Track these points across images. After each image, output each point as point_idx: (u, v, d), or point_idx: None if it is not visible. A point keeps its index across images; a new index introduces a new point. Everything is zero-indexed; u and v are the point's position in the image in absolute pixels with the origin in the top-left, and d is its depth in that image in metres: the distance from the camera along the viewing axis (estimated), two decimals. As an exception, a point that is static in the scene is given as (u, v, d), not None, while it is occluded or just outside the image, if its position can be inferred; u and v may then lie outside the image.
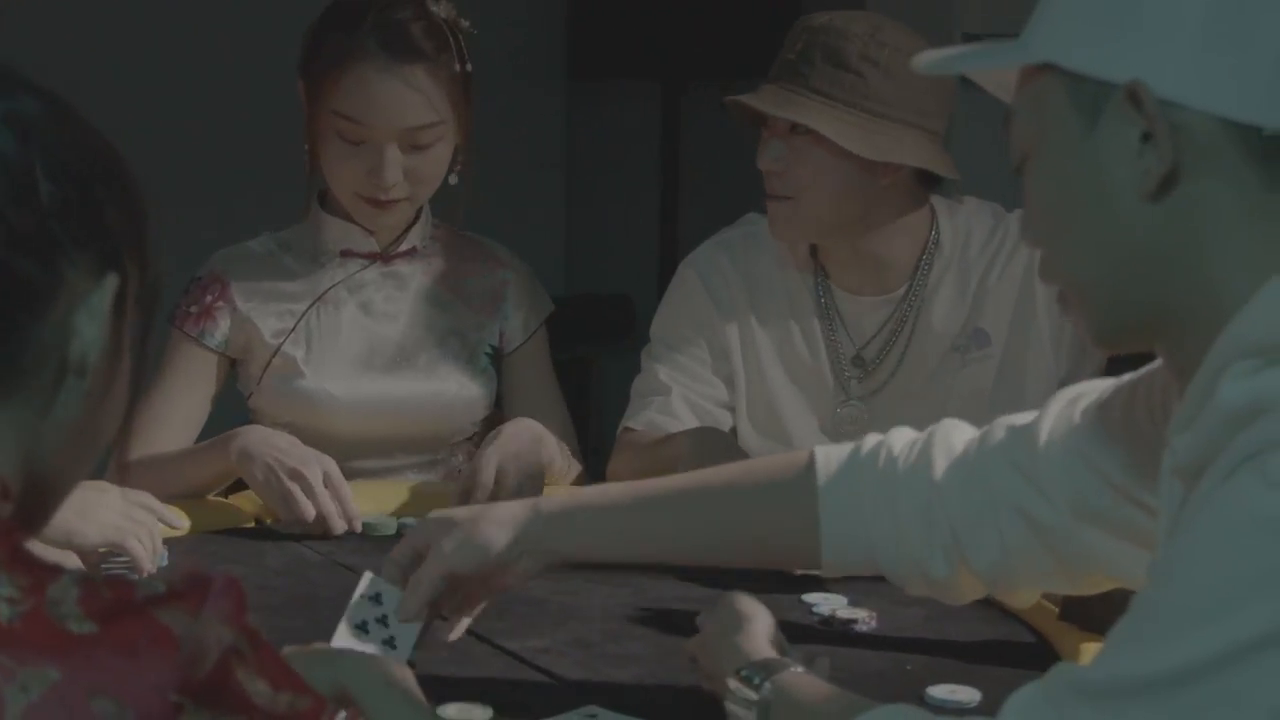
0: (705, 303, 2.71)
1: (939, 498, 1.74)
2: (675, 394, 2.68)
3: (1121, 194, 1.32)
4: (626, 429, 2.72)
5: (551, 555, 1.84)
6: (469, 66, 2.66)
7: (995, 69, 1.46)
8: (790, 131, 2.54)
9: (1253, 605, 1.16)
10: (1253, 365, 1.26)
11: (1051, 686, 1.26)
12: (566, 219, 6.06)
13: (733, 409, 2.72)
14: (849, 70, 2.50)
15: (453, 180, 2.71)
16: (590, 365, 5.77)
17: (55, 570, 1.05)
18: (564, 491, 1.85)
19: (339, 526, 2.40)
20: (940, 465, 1.75)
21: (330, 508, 2.40)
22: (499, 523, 1.83)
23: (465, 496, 2.43)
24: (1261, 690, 1.15)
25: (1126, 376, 1.64)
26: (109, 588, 1.04)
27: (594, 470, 2.81)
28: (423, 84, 2.60)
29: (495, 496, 2.42)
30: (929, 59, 1.47)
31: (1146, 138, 1.29)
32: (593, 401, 5.58)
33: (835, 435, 2.64)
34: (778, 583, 2.15)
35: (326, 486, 2.41)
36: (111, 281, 1.17)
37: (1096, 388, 1.68)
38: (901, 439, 1.81)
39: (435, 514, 1.87)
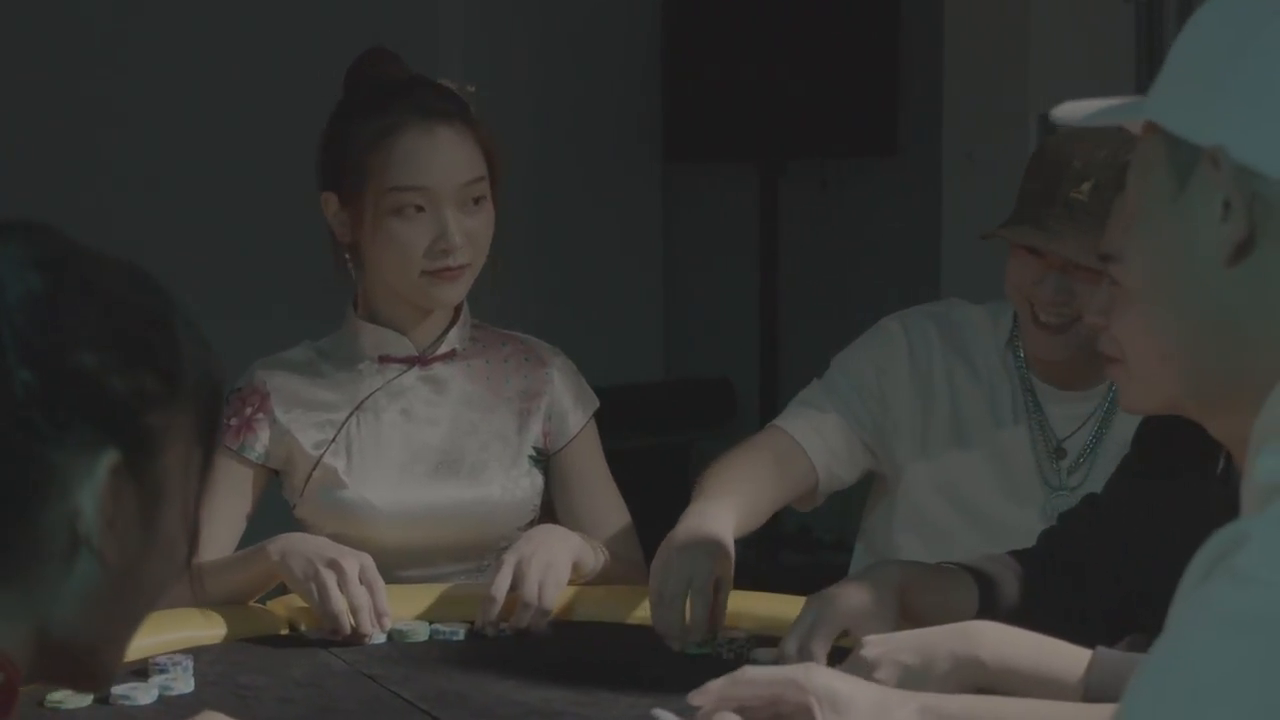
0: (902, 358, 2.79)
1: None
2: (830, 420, 2.77)
3: (1203, 257, 1.32)
4: (773, 425, 2.80)
5: None
6: (490, 132, 2.71)
7: (1117, 122, 1.46)
8: (1076, 266, 2.62)
9: (1218, 709, 1.13)
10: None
11: None
12: (664, 301, 6.05)
13: (875, 454, 2.80)
14: None
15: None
16: (689, 450, 5.74)
17: None
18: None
19: (368, 623, 2.40)
20: None
21: (362, 601, 2.41)
22: None
23: (487, 605, 2.45)
24: None
25: None
26: None
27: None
28: (462, 138, 2.66)
29: (513, 602, 2.45)
30: (1064, 112, 1.48)
31: (1228, 204, 1.29)
32: (694, 487, 5.54)
33: (1048, 522, 2.67)
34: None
35: (362, 582, 2.41)
36: (109, 456, 1.17)
37: None
38: None
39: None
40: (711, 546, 2.44)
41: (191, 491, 1.25)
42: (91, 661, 1.23)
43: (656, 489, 2.89)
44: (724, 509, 2.55)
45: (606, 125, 5.73)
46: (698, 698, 1.88)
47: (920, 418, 2.79)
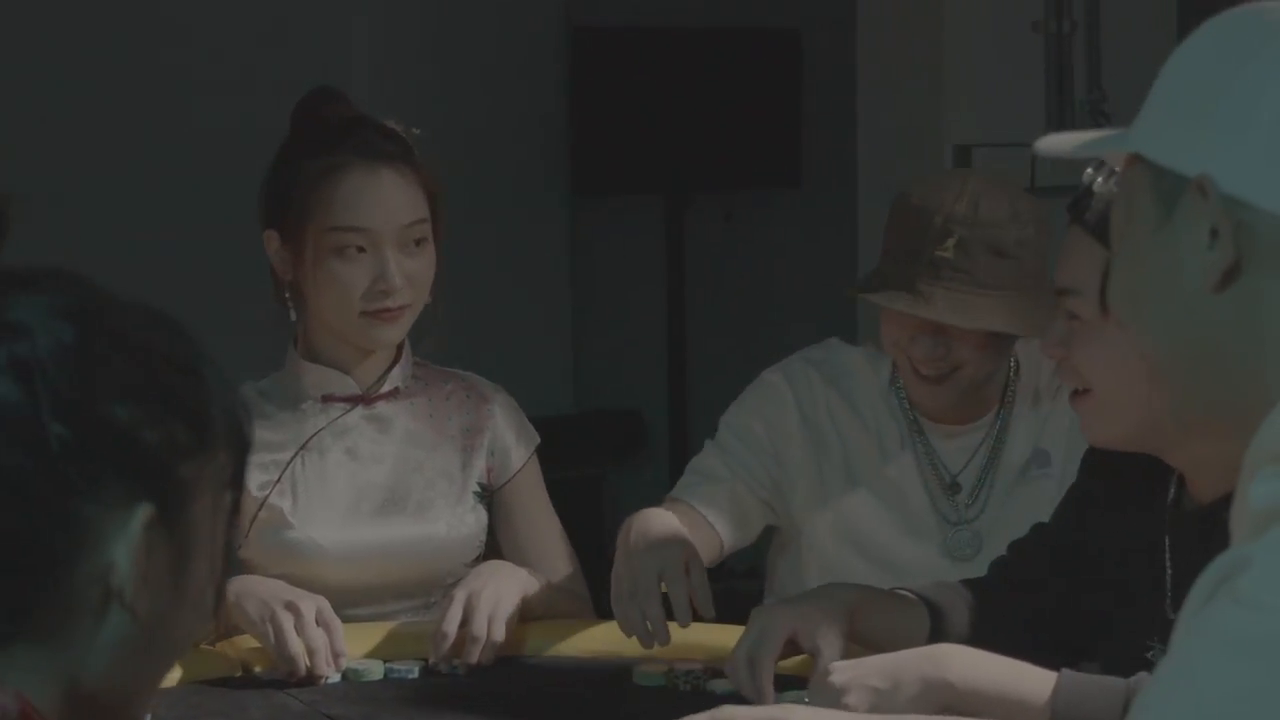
0: (789, 409, 2.78)
1: None
2: (724, 487, 2.75)
3: (1189, 284, 1.33)
4: (672, 498, 2.78)
5: None
6: (436, 175, 2.72)
7: (1102, 154, 1.48)
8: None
9: None
10: (1277, 469, 1.25)
11: None
12: (574, 335, 6.06)
13: (775, 510, 2.79)
14: (1008, 257, 2.57)
15: (428, 300, 2.72)
16: (600, 482, 5.75)
17: None
18: None
19: (324, 665, 2.40)
20: None
21: (319, 643, 2.41)
22: None
23: (438, 641, 2.46)
24: None
25: None
26: None
27: (604, 587, 2.80)
28: (405, 180, 2.67)
29: (462, 639, 2.45)
30: (1048, 145, 1.50)
31: (1215, 232, 1.30)
32: (605, 519, 5.55)
33: (951, 559, 2.74)
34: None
35: (318, 624, 2.41)
36: (143, 510, 1.16)
37: None
38: None
39: None
40: (670, 537, 2.47)
41: (219, 539, 1.24)
42: (120, 712, 1.23)
43: (568, 521, 2.89)
44: (666, 515, 2.59)
45: (513, 159, 5.74)
46: None
47: (814, 466, 2.79)
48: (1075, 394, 2.22)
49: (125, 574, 1.17)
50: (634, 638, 2.38)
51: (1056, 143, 1.50)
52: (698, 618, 2.41)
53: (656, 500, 2.77)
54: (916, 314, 2.59)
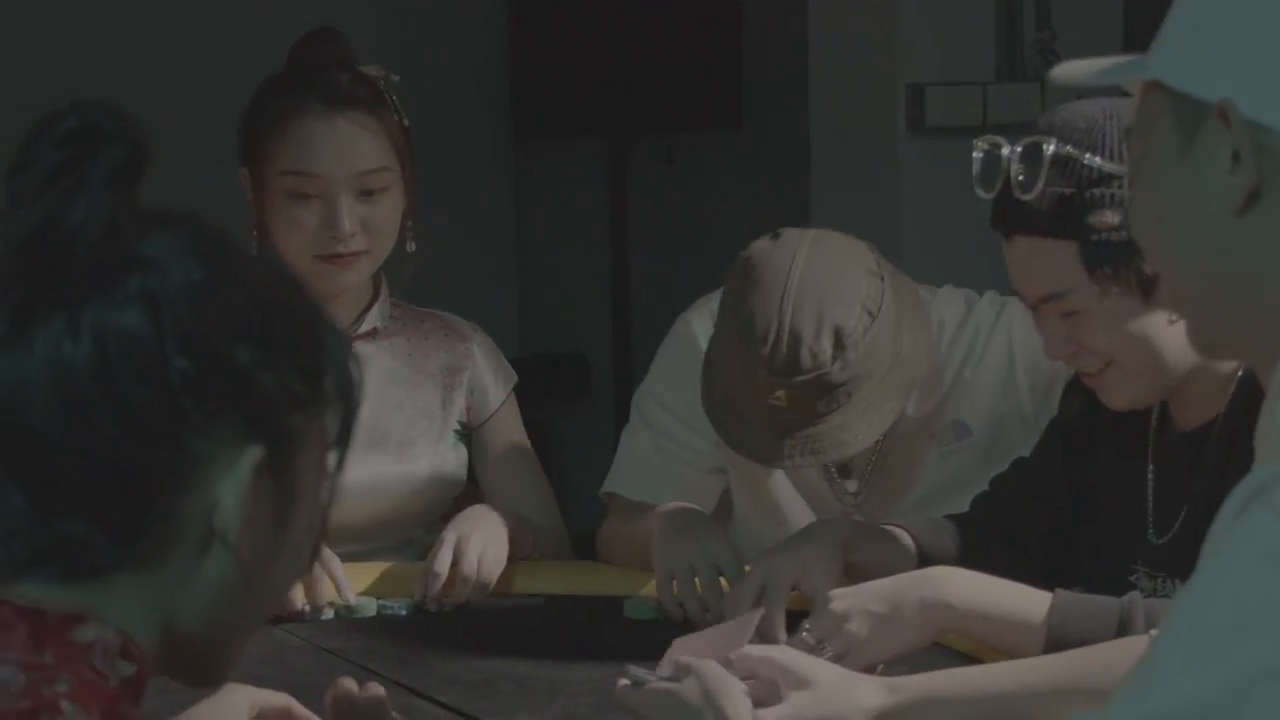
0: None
1: None
2: (659, 466, 2.68)
3: (1211, 209, 1.34)
4: (611, 495, 2.73)
5: None
6: (406, 122, 2.70)
7: (1121, 81, 1.49)
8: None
9: (1259, 637, 1.17)
10: None
11: None
12: (518, 280, 6.07)
13: (725, 470, 2.71)
14: (842, 385, 2.41)
15: (411, 248, 2.72)
16: (547, 427, 5.76)
17: None
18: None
19: (321, 595, 2.43)
20: None
21: (316, 573, 2.42)
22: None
23: (425, 581, 2.47)
24: None
25: None
26: None
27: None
28: (366, 129, 2.64)
29: (454, 577, 2.47)
30: (1063, 73, 1.50)
31: (1236, 156, 1.32)
32: (552, 463, 5.57)
33: None
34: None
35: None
36: (253, 452, 1.18)
37: None
38: None
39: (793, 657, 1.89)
40: (723, 540, 2.46)
41: (322, 495, 1.26)
42: (211, 659, 1.24)
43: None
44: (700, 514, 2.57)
45: (455, 104, 5.72)
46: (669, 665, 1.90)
47: None
48: (1097, 375, 2.21)
49: (231, 514, 1.18)
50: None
51: (1072, 70, 1.51)
52: None
53: (601, 443, 2.75)
54: (791, 471, 2.56)
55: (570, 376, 5.95)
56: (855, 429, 2.43)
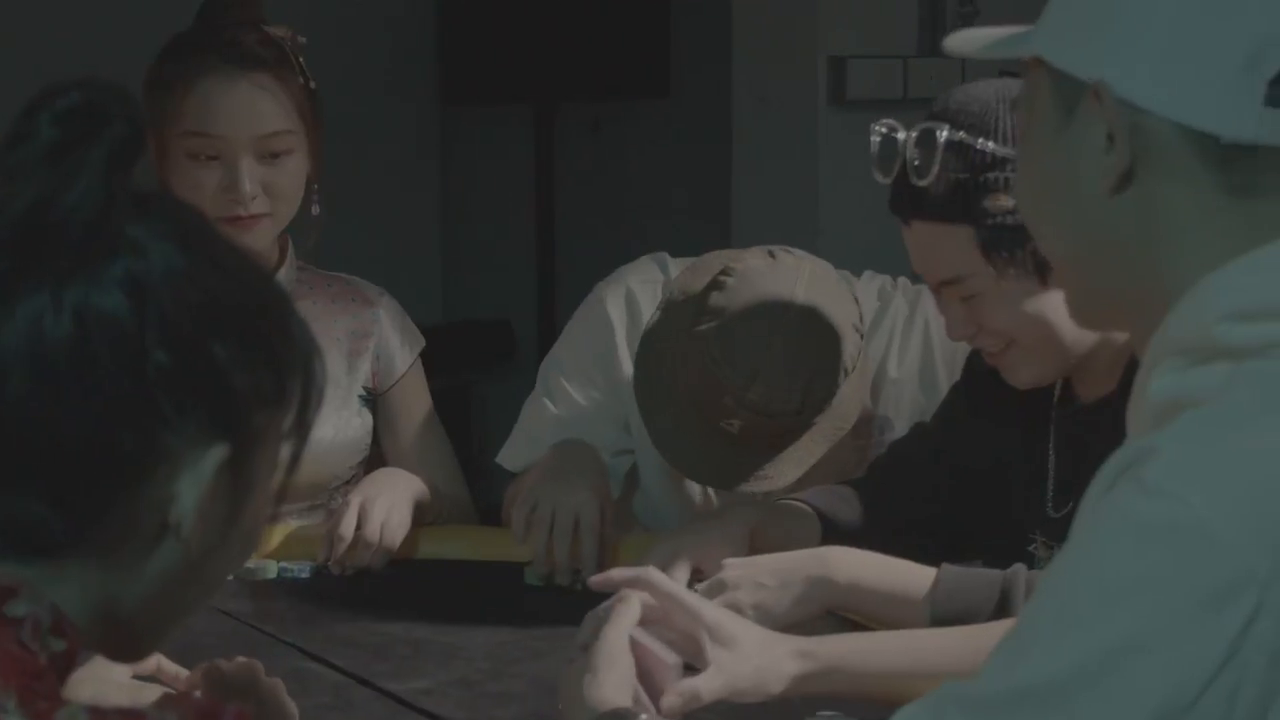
0: (618, 337, 2.68)
1: None
2: (551, 442, 2.65)
3: (1087, 187, 1.36)
4: (513, 473, 2.71)
5: None
6: (313, 84, 2.68)
7: (1007, 55, 1.50)
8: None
9: (1125, 610, 1.19)
10: (1179, 363, 1.29)
11: (935, 701, 1.28)
12: (442, 245, 6.06)
13: (631, 450, 2.69)
14: (795, 430, 2.43)
15: (315, 211, 2.71)
16: (470, 392, 5.77)
17: (64, 702, 1.08)
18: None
19: None
20: None
21: None
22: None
23: (329, 544, 2.47)
24: (1137, 694, 1.17)
25: None
26: (119, 716, 1.09)
27: (476, 496, 2.84)
28: (269, 91, 2.62)
29: (358, 541, 2.46)
30: (955, 44, 1.52)
31: (1111, 137, 1.34)
32: (474, 428, 5.57)
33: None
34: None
35: None
36: (218, 450, 1.17)
37: None
38: None
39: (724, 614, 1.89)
40: (597, 487, 2.47)
41: (274, 486, 1.26)
42: (144, 640, 1.24)
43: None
44: (594, 454, 2.58)
45: (380, 68, 5.71)
46: (601, 581, 1.92)
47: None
48: (999, 355, 2.23)
49: (187, 509, 1.18)
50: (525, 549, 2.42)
51: (965, 40, 1.52)
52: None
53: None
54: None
55: (495, 343, 5.95)
56: (785, 469, 2.46)
